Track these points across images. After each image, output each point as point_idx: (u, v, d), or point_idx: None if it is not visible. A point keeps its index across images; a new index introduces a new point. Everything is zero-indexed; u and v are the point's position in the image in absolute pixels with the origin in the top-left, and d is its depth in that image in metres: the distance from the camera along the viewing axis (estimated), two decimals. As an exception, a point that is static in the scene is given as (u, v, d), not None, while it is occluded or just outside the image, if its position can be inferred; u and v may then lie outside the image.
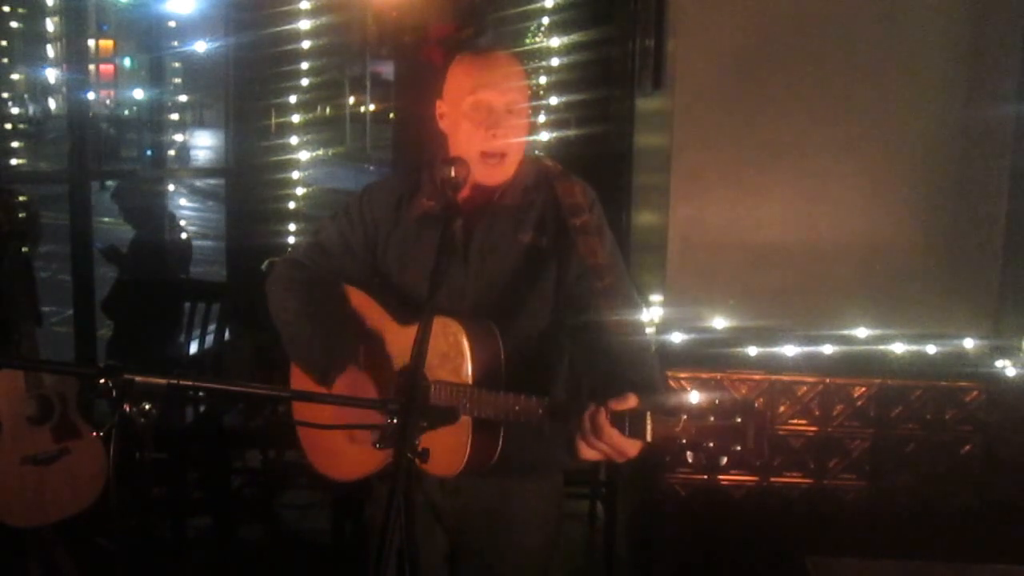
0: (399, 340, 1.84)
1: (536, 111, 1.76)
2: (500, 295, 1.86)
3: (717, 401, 1.55)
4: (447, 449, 1.47)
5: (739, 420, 1.52)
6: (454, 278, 1.85)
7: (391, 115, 5.74)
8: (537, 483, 1.97)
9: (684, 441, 1.55)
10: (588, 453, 1.66)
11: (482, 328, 1.78)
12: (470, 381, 1.74)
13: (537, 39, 4.45)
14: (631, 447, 1.61)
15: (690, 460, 1.57)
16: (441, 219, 1.80)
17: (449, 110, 1.88)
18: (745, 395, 1.58)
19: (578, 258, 1.83)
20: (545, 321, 1.89)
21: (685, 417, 1.55)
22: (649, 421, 1.57)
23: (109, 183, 4.78)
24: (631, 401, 1.59)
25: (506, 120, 1.81)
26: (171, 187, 5.15)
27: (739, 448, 1.53)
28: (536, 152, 3.92)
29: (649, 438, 1.58)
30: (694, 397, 1.59)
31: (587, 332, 1.84)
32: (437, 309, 1.61)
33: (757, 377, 2.94)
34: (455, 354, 1.75)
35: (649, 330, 3.09)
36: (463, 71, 1.87)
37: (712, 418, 1.53)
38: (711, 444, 1.54)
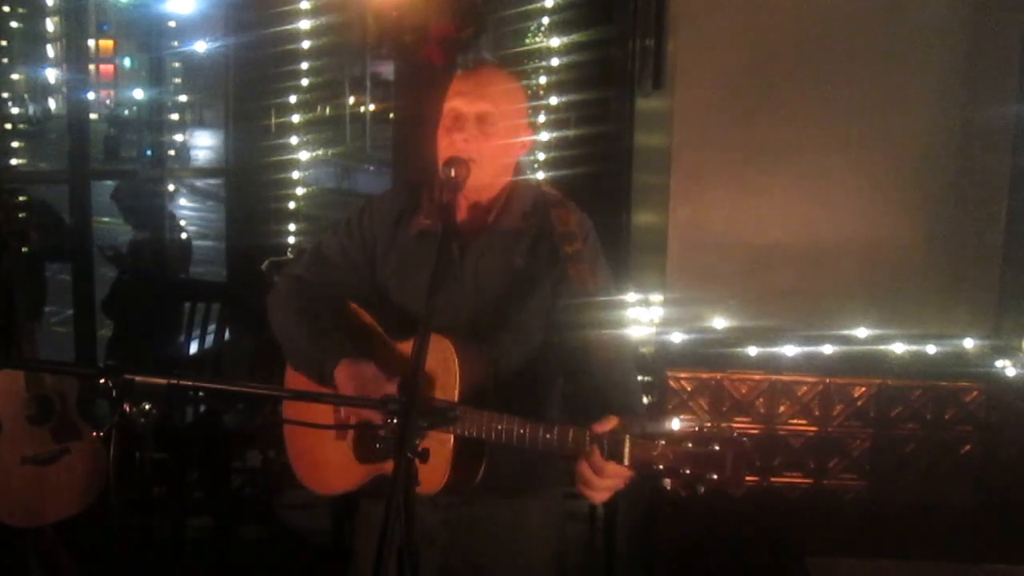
0: (392, 357, 1.85)
1: (535, 112, 1.76)
2: (494, 316, 1.87)
3: (696, 428, 1.54)
4: (428, 467, 1.47)
5: (717, 448, 1.51)
6: (450, 297, 1.86)
7: (391, 115, 5.73)
8: (534, 500, 1.97)
9: (661, 467, 1.54)
10: (599, 497, 1.65)
11: (473, 347, 1.79)
12: (456, 399, 1.74)
13: (537, 39, 4.45)
14: (623, 473, 1.60)
15: (668, 487, 1.56)
16: (438, 237, 1.81)
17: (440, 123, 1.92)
18: (731, 427, 1.56)
19: (568, 285, 1.85)
20: (538, 343, 1.91)
21: (663, 442, 1.54)
22: (627, 444, 1.56)
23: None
24: (612, 423, 1.59)
25: (475, 128, 1.83)
26: (171, 187, 5.14)
27: (716, 476, 1.52)
28: (536, 174, 3.94)
29: (626, 461, 1.57)
30: (674, 424, 1.59)
31: (574, 357, 1.86)
32: (433, 326, 1.60)
33: (757, 377, 2.94)
34: (443, 371, 1.75)
35: (649, 330, 3.09)
36: (451, 85, 1.90)
37: (690, 444, 1.52)
38: (687, 471, 1.52)
